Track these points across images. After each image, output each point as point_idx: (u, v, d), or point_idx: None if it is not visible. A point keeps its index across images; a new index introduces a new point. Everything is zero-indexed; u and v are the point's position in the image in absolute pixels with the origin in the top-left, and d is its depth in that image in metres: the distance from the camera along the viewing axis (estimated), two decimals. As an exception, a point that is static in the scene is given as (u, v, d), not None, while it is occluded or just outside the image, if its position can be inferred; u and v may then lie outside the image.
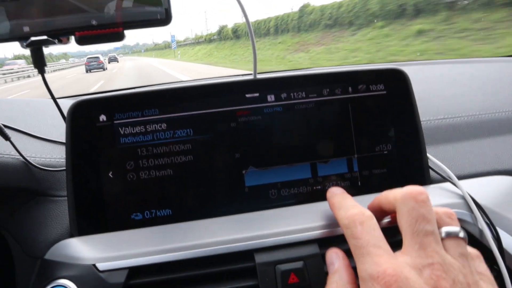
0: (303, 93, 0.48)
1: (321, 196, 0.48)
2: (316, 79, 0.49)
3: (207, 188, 0.47)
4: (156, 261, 0.41)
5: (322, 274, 0.40)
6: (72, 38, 0.43)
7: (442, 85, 0.83)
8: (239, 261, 0.41)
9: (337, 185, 0.48)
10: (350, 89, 0.49)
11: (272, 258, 0.41)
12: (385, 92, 0.50)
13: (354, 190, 0.49)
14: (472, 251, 0.35)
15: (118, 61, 38.56)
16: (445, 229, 0.34)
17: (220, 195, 0.47)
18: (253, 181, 0.47)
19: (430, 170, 0.51)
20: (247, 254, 0.42)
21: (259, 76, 0.49)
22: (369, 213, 0.36)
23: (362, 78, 0.50)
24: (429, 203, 0.34)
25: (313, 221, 0.44)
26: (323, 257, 0.41)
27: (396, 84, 0.50)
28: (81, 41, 0.42)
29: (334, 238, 0.43)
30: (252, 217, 0.45)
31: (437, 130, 0.62)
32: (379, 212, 0.38)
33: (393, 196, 0.36)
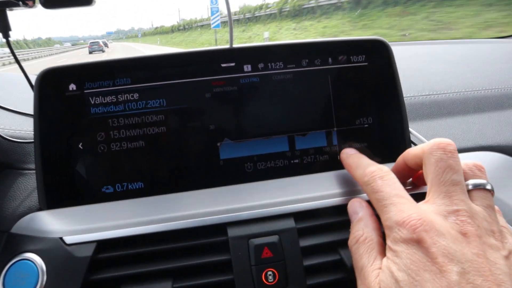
0: (281, 63, 0.47)
1: (298, 170, 0.46)
2: (295, 49, 0.47)
3: (180, 160, 0.45)
4: (126, 234, 0.39)
5: (297, 248, 0.39)
6: (38, 2, 0.41)
7: (428, 63, 0.82)
8: (211, 235, 0.40)
9: (315, 159, 0.47)
10: (330, 60, 0.47)
11: (245, 232, 0.40)
12: (366, 63, 0.48)
13: (334, 164, 0.47)
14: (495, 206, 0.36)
15: (103, 51, 33.85)
16: (473, 181, 0.34)
17: (194, 168, 0.45)
18: (228, 153, 0.45)
19: (412, 145, 0.50)
20: (220, 228, 0.40)
21: (235, 46, 0.47)
22: (387, 169, 0.36)
23: (342, 48, 0.48)
24: (456, 154, 0.34)
25: (289, 194, 0.42)
26: (299, 231, 0.40)
27: (378, 55, 0.48)
28: (46, 4, 0.40)
29: (311, 211, 0.42)
30: (226, 191, 0.44)
31: (421, 106, 0.61)
32: (404, 170, 0.39)
33: (420, 148, 0.36)
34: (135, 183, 0.44)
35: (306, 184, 0.44)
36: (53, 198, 0.43)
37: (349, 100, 0.48)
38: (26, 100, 0.58)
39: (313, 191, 0.43)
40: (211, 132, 0.45)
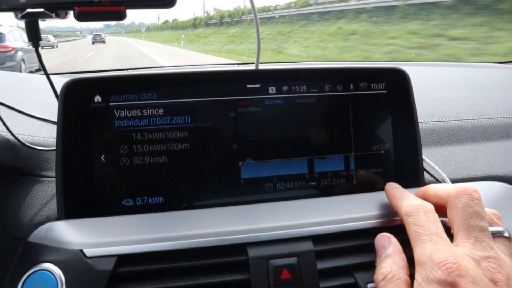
0: (305, 87, 0.48)
1: (316, 192, 0.47)
2: (319, 74, 0.48)
3: (202, 177, 0.45)
4: (147, 249, 0.40)
5: (314, 271, 0.40)
6: (71, 13, 0.41)
7: (437, 87, 0.84)
8: (231, 254, 0.41)
9: (332, 182, 0.48)
10: (351, 86, 0.49)
11: (265, 252, 0.41)
12: (385, 91, 0.49)
13: (350, 188, 0.48)
14: None
15: (104, 42, 37.09)
16: (493, 229, 0.35)
17: (215, 186, 0.46)
18: (249, 173, 0.46)
19: (425, 172, 0.51)
20: (240, 247, 0.41)
21: (261, 67, 0.48)
22: (431, 206, 0.37)
23: (364, 76, 0.49)
24: (482, 202, 0.35)
25: (307, 217, 0.43)
26: (316, 254, 0.41)
27: (397, 84, 0.50)
28: (80, 17, 0.40)
29: (329, 235, 0.43)
30: (246, 210, 0.45)
31: (431, 132, 0.63)
32: None
33: (444, 191, 0.37)
34: (155, 198, 0.45)
35: (323, 207, 0.45)
36: (72, 208, 0.44)
37: (368, 126, 0.49)
38: (43, 104, 0.58)
39: (331, 214, 0.44)
40: (234, 151, 0.46)
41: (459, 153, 0.60)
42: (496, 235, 0.35)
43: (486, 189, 0.55)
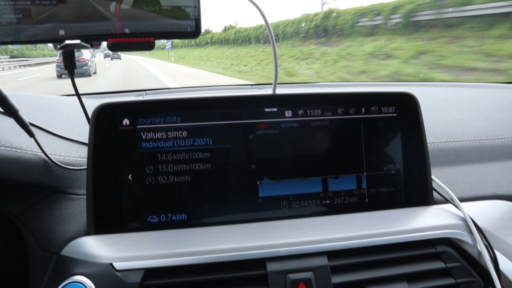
0: (319, 110, 0.51)
1: (329, 210, 0.50)
2: (332, 98, 0.51)
3: (223, 196, 0.48)
4: (172, 263, 0.42)
5: (329, 285, 0.43)
6: (104, 43, 0.45)
7: (445, 108, 0.86)
8: (251, 268, 0.43)
9: (345, 200, 0.51)
10: (363, 109, 0.51)
11: (283, 267, 0.43)
12: (395, 114, 0.52)
13: (361, 206, 0.51)
14: None
15: (120, 58, 36.03)
16: None
17: (235, 204, 0.48)
18: (266, 192, 0.49)
19: (434, 191, 0.53)
20: (259, 262, 0.43)
21: (278, 92, 0.51)
22: None
23: (375, 100, 0.52)
24: None
25: (322, 233, 0.46)
26: (331, 268, 0.44)
27: (406, 107, 0.52)
28: (113, 47, 0.44)
29: (342, 251, 0.45)
30: (264, 227, 0.47)
31: (440, 153, 0.65)
32: None
33: None
34: (179, 215, 0.48)
35: (337, 224, 0.48)
36: (101, 224, 0.47)
37: (379, 148, 0.52)
38: (70, 125, 0.61)
39: (344, 231, 0.46)
40: (252, 171, 0.49)
41: (467, 172, 0.62)
42: None
43: (494, 208, 0.56)
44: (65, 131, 0.59)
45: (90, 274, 0.42)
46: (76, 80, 0.48)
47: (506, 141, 0.69)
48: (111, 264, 0.42)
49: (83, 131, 0.46)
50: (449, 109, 0.85)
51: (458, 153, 0.65)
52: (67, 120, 0.63)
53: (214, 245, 0.44)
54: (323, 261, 0.44)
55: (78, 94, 0.49)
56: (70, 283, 0.42)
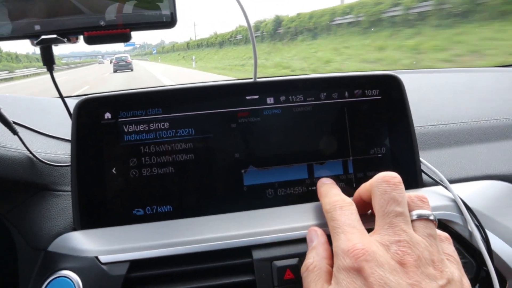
0: (301, 96, 0.50)
1: (316, 196, 0.49)
2: (314, 83, 0.51)
3: (207, 186, 0.48)
4: (157, 255, 0.42)
5: None
6: (81, 38, 0.45)
7: (435, 93, 0.85)
8: (237, 257, 0.43)
9: None
10: (346, 93, 0.51)
11: (269, 254, 0.43)
12: (380, 97, 0.52)
13: (349, 191, 0.50)
14: (441, 233, 0.38)
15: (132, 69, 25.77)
16: (416, 212, 0.36)
17: (219, 193, 0.48)
18: (251, 180, 0.49)
19: (423, 174, 0.53)
20: (245, 250, 0.43)
21: (258, 79, 0.50)
22: (349, 200, 0.39)
23: (358, 83, 0.51)
24: (401, 186, 0.36)
25: (308, 220, 0.45)
26: None
27: (390, 89, 0.52)
28: (89, 41, 0.44)
29: (328, 236, 0.44)
30: (249, 215, 0.47)
31: (430, 136, 0.64)
32: (361, 205, 0.41)
33: (369, 182, 0.39)
34: (164, 207, 0.47)
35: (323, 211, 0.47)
36: (87, 219, 0.47)
37: (364, 131, 0.51)
38: (58, 125, 0.61)
39: None
40: (236, 160, 0.48)
41: (458, 154, 0.62)
42: (420, 218, 0.36)
43: (486, 188, 0.56)
44: (53, 130, 0.59)
45: (76, 268, 0.42)
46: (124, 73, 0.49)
47: (497, 122, 0.68)
48: (96, 258, 0.42)
49: (70, 130, 0.47)
50: (440, 94, 0.84)
51: (448, 136, 0.65)
52: (56, 120, 0.64)
53: (199, 235, 0.44)
54: None
55: (58, 90, 0.49)
56: (57, 277, 0.42)
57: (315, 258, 0.37)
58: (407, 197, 0.37)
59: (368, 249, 0.32)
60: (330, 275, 0.35)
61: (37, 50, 0.47)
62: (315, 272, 0.36)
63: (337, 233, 0.36)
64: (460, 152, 0.62)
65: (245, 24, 0.50)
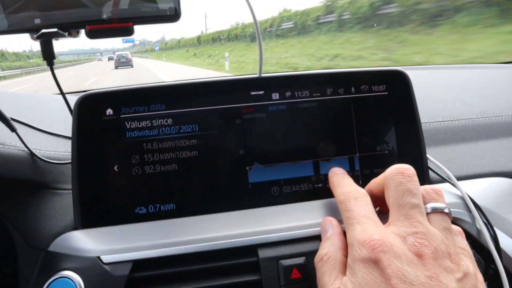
0: (307, 92, 0.49)
1: (322, 194, 0.48)
2: (320, 79, 0.50)
3: (211, 183, 0.47)
4: (160, 254, 0.41)
5: None
6: (82, 32, 0.44)
7: (441, 89, 0.85)
8: (242, 256, 0.42)
9: None
10: (352, 89, 0.50)
11: (275, 253, 0.42)
12: (386, 93, 0.51)
13: None
14: (455, 227, 0.37)
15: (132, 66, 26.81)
16: (431, 205, 0.36)
17: (224, 191, 0.47)
18: (256, 177, 0.48)
19: (430, 171, 0.52)
20: (251, 249, 0.42)
21: (263, 75, 0.49)
22: (364, 191, 0.38)
23: (364, 78, 0.50)
24: (415, 179, 0.36)
25: (315, 217, 0.44)
26: None
27: (397, 85, 0.51)
28: (91, 35, 0.42)
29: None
30: (255, 213, 0.46)
31: (436, 132, 0.63)
32: (371, 200, 0.40)
33: (383, 175, 0.38)
34: (167, 205, 0.46)
35: (330, 208, 0.46)
36: (88, 218, 0.45)
37: (371, 127, 0.50)
38: (58, 122, 0.60)
39: (338, 214, 0.45)
40: (241, 156, 0.47)
41: (464, 151, 0.61)
42: (435, 210, 0.35)
43: (493, 185, 0.55)
44: (54, 127, 0.58)
45: (77, 269, 0.41)
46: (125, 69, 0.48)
47: (503, 119, 0.68)
48: (98, 258, 0.41)
49: (70, 127, 0.45)
50: (446, 90, 0.83)
51: (454, 132, 0.64)
52: (56, 117, 0.63)
53: (204, 233, 0.43)
54: (316, 245, 0.42)
55: (59, 86, 0.48)
56: (58, 278, 0.41)
57: (330, 248, 0.37)
58: (422, 190, 0.36)
59: (385, 240, 0.31)
60: (345, 266, 0.34)
61: (33, 47, 0.46)
62: (329, 263, 0.35)
63: (352, 223, 0.35)
64: (466, 149, 0.62)
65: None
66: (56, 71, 0.49)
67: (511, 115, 0.69)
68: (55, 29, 0.42)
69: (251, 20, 0.49)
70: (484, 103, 0.74)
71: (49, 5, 0.41)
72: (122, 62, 26.71)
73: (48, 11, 0.41)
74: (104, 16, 0.42)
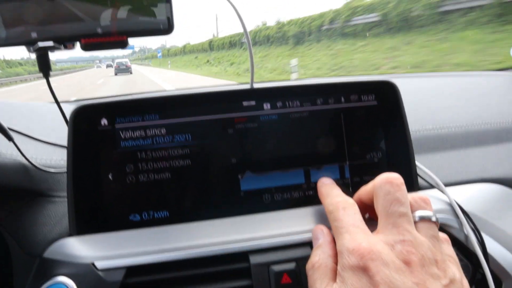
0: (298, 102, 0.50)
1: (313, 201, 0.49)
2: (310, 89, 0.51)
3: (204, 191, 0.48)
4: (153, 260, 0.42)
5: None
6: (77, 44, 0.45)
7: (431, 97, 0.86)
8: (234, 262, 0.43)
9: None
10: (342, 99, 0.51)
11: (266, 259, 0.43)
12: (376, 102, 0.52)
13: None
14: (442, 235, 0.38)
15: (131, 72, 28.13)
16: (418, 213, 0.37)
17: (216, 199, 0.48)
18: (248, 185, 0.49)
19: (419, 178, 0.53)
20: (242, 255, 0.43)
21: (255, 86, 0.51)
22: (352, 201, 0.39)
23: (354, 89, 0.52)
24: (403, 187, 0.37)
25: (305, 224, 0.45)
26: None
27: (386, 95, 0.52)
28: (86, 48, 0.44)
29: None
30: (246, 220, 0.47)
31: (426, 140, 0.65)
32: (360, 208, 0.41)
33: (371, 183, 0.39)
34: (161, 212, 0.47)
35: (320, 215, 0.47)
36: (83, 225, 0.46)
37: (360, 136, 0.51)
38: (54, 130, 0.61)
39: (328, 221, 0.46)
40: (233, 165, 0.49)
41: (453, 158, 0.62)
42: (423, 219, 0.36)
43: (481, 191, 0.56)
44: (49, 136, 0.59)
45: (72, 275, 0.42)
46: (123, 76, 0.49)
47: (492, 126, 0.69)
48: (92, 264, 0.42)
49: (65, 135, 0.47)
50: (436, 98, 0.85)
51: (443, 140, 0.65)
52: (51, 126, 0.64)
53: (196, 240, 0.44)
54: (306, 251, 0.44)
55: (54, 96, 0.49)
56: (52, 284, 0.42)
57: (321, 256, 0.38)
58: (410, 198, 0.38)
59: (373, 248, 0.32)
60: (335, 273, 0.35)
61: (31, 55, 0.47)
62: (321, 270, 0.36)
63: (341, 232, 0.36)
64: (455, 156, 0.63)
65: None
66: (55, 78, 0.50)
67: (499, 123, 0.70)
68: (51, 42, 0.43)
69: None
70: (474, 110, 0.75)
71: (45, 20, 0.42)
72: (122, 69, 28.60)
73: (45, 25, 0.42)
74: (99, 30, 0.43)
